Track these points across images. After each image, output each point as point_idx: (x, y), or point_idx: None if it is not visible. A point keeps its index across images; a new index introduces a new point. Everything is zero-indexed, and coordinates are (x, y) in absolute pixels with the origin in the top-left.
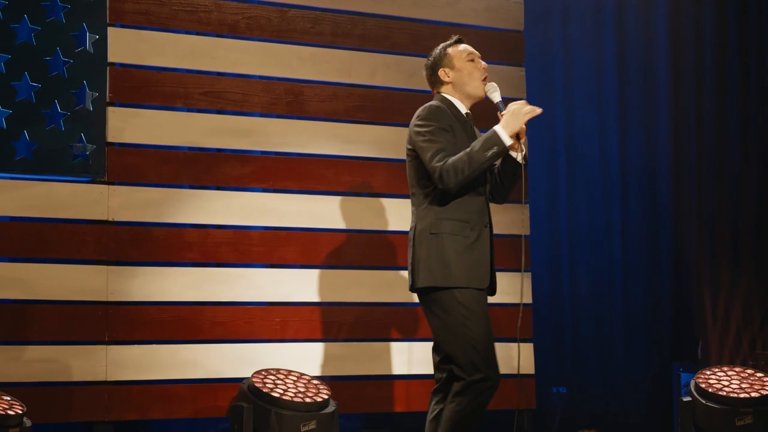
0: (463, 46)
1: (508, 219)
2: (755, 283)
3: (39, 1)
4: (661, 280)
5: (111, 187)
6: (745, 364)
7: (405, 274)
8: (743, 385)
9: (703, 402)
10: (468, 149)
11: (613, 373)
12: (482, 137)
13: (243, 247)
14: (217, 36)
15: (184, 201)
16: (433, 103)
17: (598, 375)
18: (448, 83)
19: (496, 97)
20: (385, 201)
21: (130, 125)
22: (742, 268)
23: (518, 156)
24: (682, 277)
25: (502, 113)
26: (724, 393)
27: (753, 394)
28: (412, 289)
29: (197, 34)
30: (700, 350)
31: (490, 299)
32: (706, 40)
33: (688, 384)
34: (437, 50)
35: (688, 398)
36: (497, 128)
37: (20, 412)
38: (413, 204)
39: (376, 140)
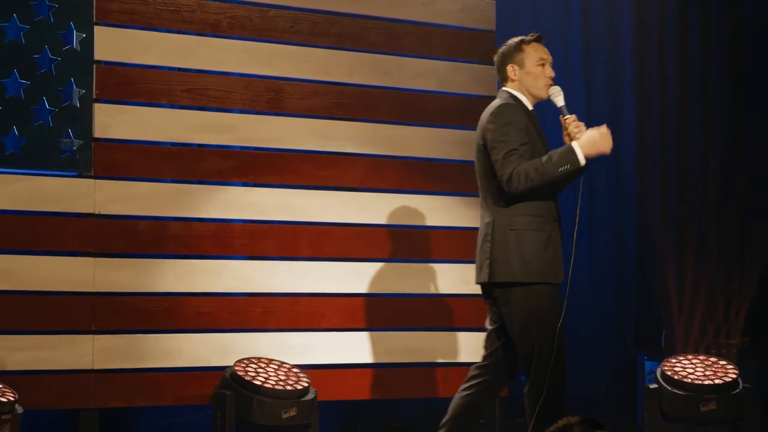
0: (537, 48)
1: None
2: (719, 272)
3: (28, 1)
4: (625, 271)
5: (97, 181)
6: (708, 353)
7: (380, 265)
8: (707, 373)
9: (669, 389)
10: (542, 160)
11: (580, 361)
12: (558, 152)
13: (225, 239)
14: (200, 35)
15: (168, 195)
16: (507, 101)
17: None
18: (514, 80)
19: (560, 101)
20: (361, 195)
21: (115, 121)
22: (705, 258)
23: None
24: (647, 267)
25: (565, 117)
26: (690, 380)
27: (717, 381)
28: (487, 281)
29: (181, 33)
30: (663, 339)
31: (457, 290)
32: (668, 36)
33: (653, 372)
34: (513, 42)
35: (654, 385)
36: (575, 145)
37: (12, 399)
38: (485, 198)
39: (353, 136)
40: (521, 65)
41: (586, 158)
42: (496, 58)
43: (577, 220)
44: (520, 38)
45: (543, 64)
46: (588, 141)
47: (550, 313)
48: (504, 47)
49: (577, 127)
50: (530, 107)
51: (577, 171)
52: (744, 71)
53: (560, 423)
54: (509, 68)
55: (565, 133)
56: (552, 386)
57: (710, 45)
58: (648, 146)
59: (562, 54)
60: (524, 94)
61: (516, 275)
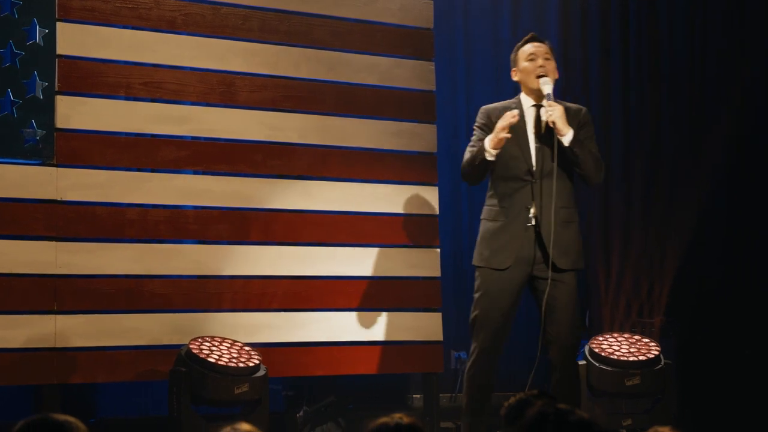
0: (527, 47)
1: (422, 199)
2: (644, 255)
3: None
4: None
5: (59, 169)
6: (630, 331)
7: (325, 249)
8: (632, 350)
9: (597, 365)
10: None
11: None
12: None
13: (179, 224)
14: (156, 31)
15: (126, 182)
16: (491, 104)
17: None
18: (518, 82)
19: (546, 89)
20: (308, 183)
21: (76, 112)
22: (632, 241)
23: (563, 139)
24: None
25: (549, 101)
26: (615, 357)
27: (641, 358)
28: None
29: (138, 29)
30: (587, 319)
31: (397, 272)
32: (592, 35)
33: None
34: (514, 50)
35: (583, 361)
36: (486, 140)
37: None
38: None
39: (300, 127)
40: (517, 66)
41: (494, 149)
42: None
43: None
44: (518, 44)
45: (532, 58)
46: (491, 137)
47: (488, 295)
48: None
49: (549, 110)
50: (532, 103)
51: (487, 162)
52: (662, 66)
53: (519, 396)
54: (512, 73)
55: None
56: (481, 362)
57: (629, 43)
58: None
59: (493, 51)
60: (526, 93)
61: (474, 259)
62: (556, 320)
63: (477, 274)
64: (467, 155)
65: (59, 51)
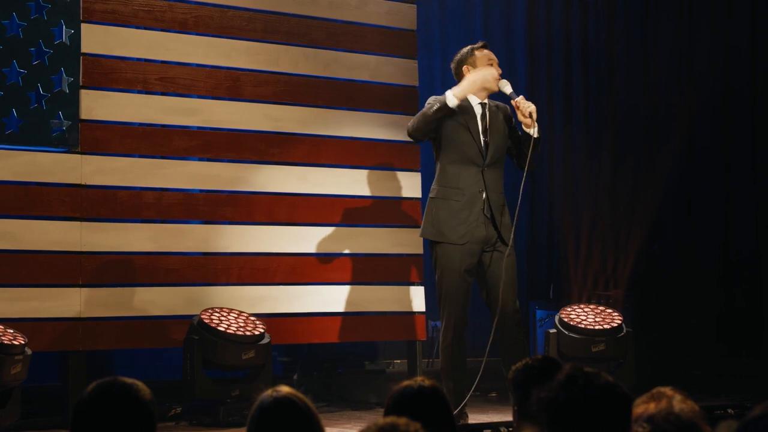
0: (486, 52)
1: (406, 184)
2: (611, 231)
3: (25, 1)
4: (519, 233)
5: (84, 156)
6: (594, 302)
7: (321, 228)
8: (597, 319)
9: (566, 333)
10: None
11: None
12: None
13: (190, 206)
14: (170, 31)
15: (143, 168)
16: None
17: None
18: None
19: (508, 89)
20: (306, 169)
21: (99, 105)
22: (598, 226)
23: (532, 131)
24: (537, 230)
25: (515, 99)
26: (583, 326)
27: (605, 326)
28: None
29: (154, 29)
30: (551, 291)
31: (385, 250)
32: (555, 40)
33: (543, 319)
34: (465, 50)
35: (553, 330)
36: (448, 91)
37: (23, 342)
38: None
39: (299, 119)
40: (474, 66)
41: (457, 97)
42: (452, 64)
43: (520, 192)
44: (470, 47)
45: (491, 63)
46: (459, 86)
47: (450, 268)
48: (459, 55)
49: (526, 104)
50: (478, 101)
51: (447, 109)
52: (617, 69)
53: (525, 362)
54: (465, 68)
55: (518, 112)
56: (455, 333)
57: (589, 46)
58: (540, 114)
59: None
60: (474, 92)
61: (428, 234)
62: (503, 290)
63: (436, 250)
64: (419, 113)
65: (83, 49)
